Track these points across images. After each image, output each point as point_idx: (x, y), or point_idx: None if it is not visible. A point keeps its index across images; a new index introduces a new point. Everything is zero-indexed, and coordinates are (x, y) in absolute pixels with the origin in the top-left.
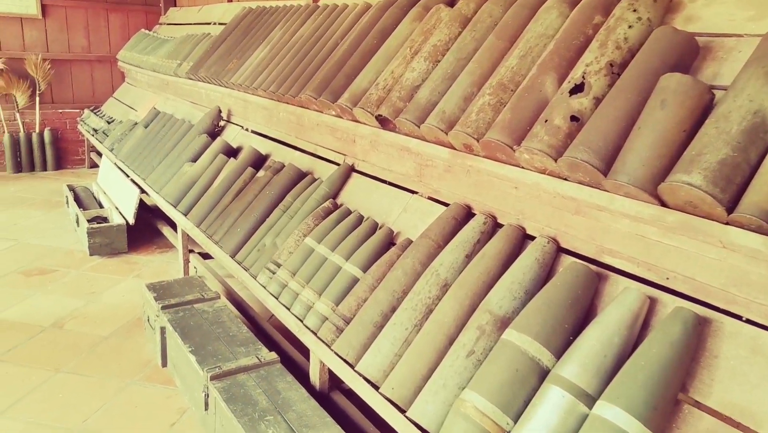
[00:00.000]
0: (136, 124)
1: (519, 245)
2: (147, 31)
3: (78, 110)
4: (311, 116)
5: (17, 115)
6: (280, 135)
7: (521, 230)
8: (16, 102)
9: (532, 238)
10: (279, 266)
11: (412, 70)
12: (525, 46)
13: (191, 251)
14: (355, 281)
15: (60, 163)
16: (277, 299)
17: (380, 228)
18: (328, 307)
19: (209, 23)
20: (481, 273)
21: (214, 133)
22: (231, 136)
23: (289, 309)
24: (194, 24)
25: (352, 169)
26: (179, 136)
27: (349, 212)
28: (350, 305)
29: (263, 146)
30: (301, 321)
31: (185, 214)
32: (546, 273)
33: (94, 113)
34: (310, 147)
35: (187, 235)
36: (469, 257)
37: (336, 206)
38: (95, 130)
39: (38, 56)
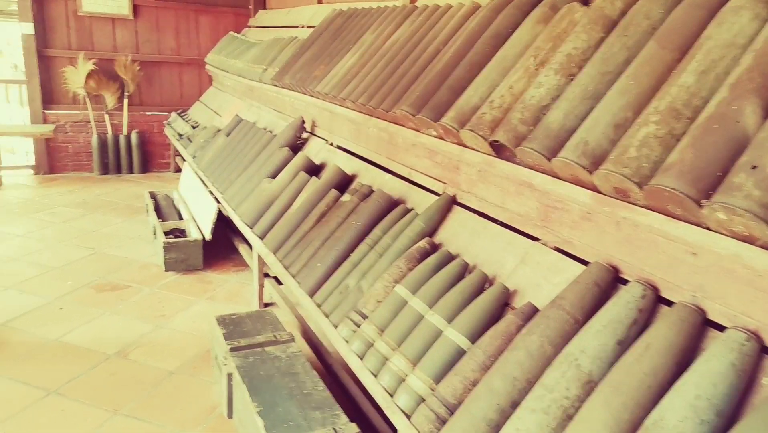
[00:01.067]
0: (219, 131)
1: (697, 336)
2: (235, 34)
3: (165, 113)
4: (406, 135)
5: (106, 116)
6: (368, 153)
7: (700, 314)
8: (106, 103)
9: (715, 326)
10: (364, 317)
11: (539, 86)
12: (705, 58)
13: (266, 275)
14: (460, 352)
15: (146, 166)
16: (361, 359)
17: (492, 284)
18: (425, 384)
19: (297, 26)
20: (645, 374)
21: (296, 146)
22: (314, 150)
23: (375, 376)
24: (282, 27)
25: (453, 201)
26: (260, 147)
27: (450, 257)
28: (454, 386)
29: (349, 165)
30: (391, 396)
31: (261, 238)
32: (744, 386)
33: (181, 117)
34: (403, 170)
35: (262, 258)
36: (623, 345)
37: (434, 247)
38: (180, 135)
39: (128, 57)
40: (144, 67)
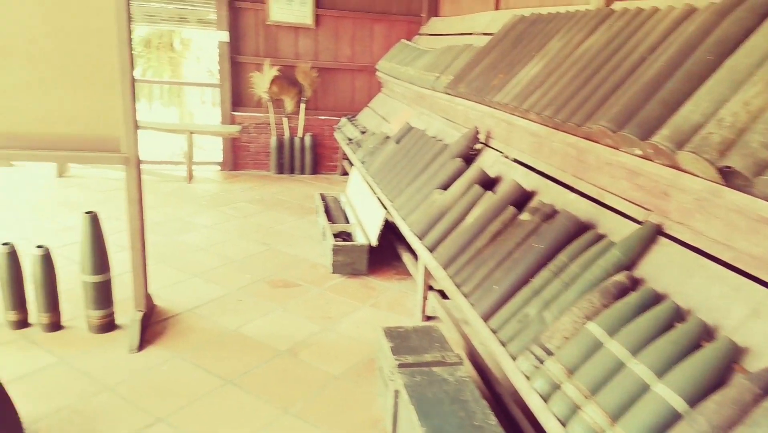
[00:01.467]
0: (387, 138)
1: None
2: (407, 42)
3: (336, 118)
4: (600, 152)
5: (284, 119)
6: (550, 170)
7: None
8: (285, 107)
9: None
10: (549, 353)
11: None
12: None
13: (431, 288)
14: (674, 415)
15: (316, 168)
16: (545, 401)
17: (711, 337)
18: None
19: (472, 33)
20: None
21: (468, 157)
22: (488, 162)
23: (564, 425)
24: (456, 34)
25: (659, 231)
26: (431, 156)
27: (656, 297)
28: None
29: (527, 181)
30: None
31: (431, 251)
32: None
33: (351, 122)
34: (593, 191)
35: (428, 271)
36: None
37: (634, 283)
38: (350, 140)
39: (308, 64)
40: (321, 74)
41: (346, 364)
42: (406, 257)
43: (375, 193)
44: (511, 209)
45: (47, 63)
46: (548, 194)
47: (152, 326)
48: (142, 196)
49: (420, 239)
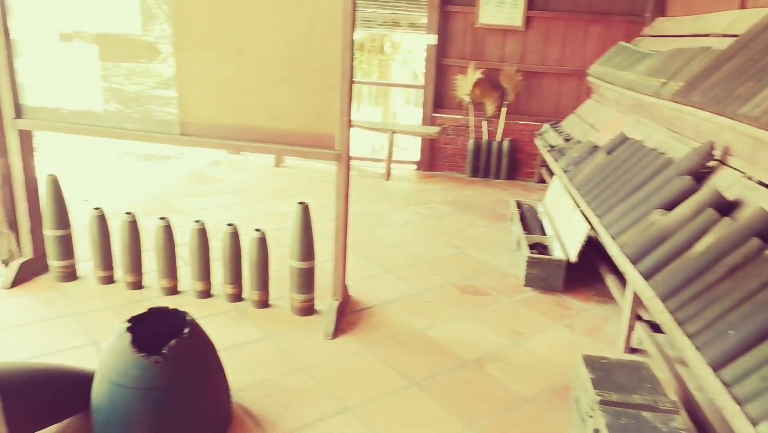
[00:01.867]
0: (596, 147)
1: None
2: (626, 44)
3: (538, 123)
4: None
5: (484, 123)
6: None
7: None
8: (485, 110)
9: None
10: None
11: None
12: None
13: (638, 318)
14: None
15: (511, 174)
16: None
17: None
18: None
19: (708, 35)
20: None
21: (699, 175)
22: (724, 183)
23: None
24: (687, 36)
25: None
26: (651, 171)
27: None
28: None
29: None
30: None
31: (646, 278)
32: None
33: (554, 128)
34: None
35: (638, 298)
36: None
37: None
38: (552, 147)
39: (513, 67)
40: (526, 78)
41: (535, 386)
42: (609, 280)
43: (578, 206)
44: (756, 242)
45: (279, 65)
46: None
47: (347, 315)
48: (349, 192)
49: (633, 263)
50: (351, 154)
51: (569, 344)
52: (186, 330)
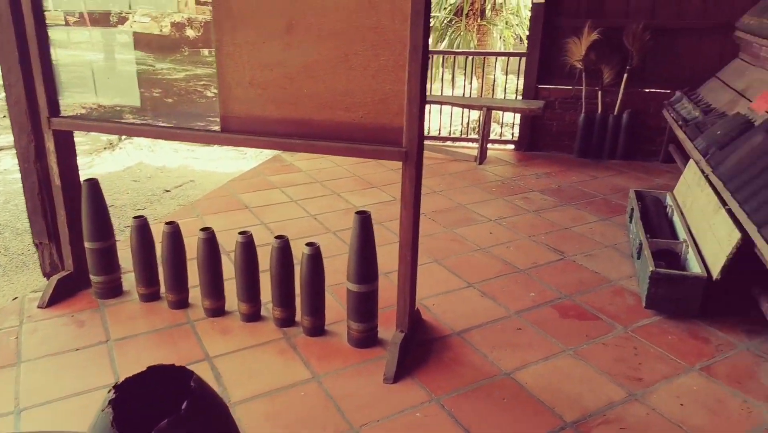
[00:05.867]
0: (750, 123)
1: None
2: None
3: (667, 91)
4: None
5: (599, 93)
6: None
7: None
8: (603, 78)
9: None
10: None
11: None
12: None
13: None
14: None
15: (631, 152)
16: None
17: None
18: None
19: None
20: None
21: None
22: None
23: None
24: None
25: None
26: None
27: None
28: None
29: None
30: None
31: None
32: None
33: (688, 97)
34: None
35: None
36: None
37: None
38: (686, 121)
39: (640, 25)
40: (655, 36)
41: None
42: (766, 304)
43: (724, 205)
44: None
45: (335, 41)
46: None
47: (415, 348)
48: (420, 197)
49: None
50: (435, 134)
51: (708, 398)
52: (184, 405)
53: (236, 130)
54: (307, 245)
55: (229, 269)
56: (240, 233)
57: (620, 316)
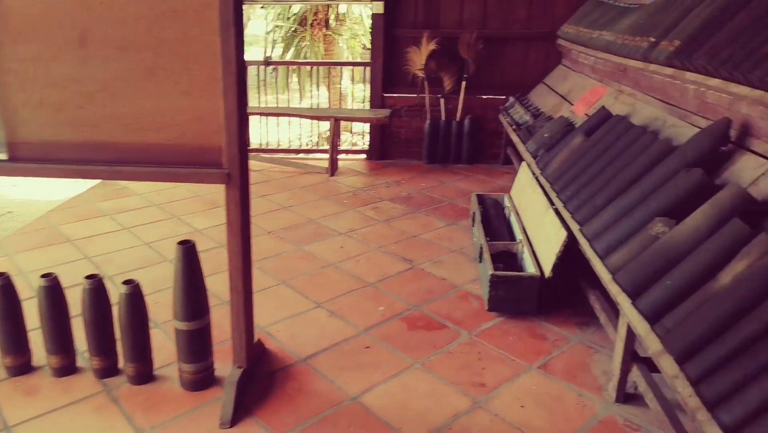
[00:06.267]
0: (571, 126)
1: None
2: None
3: (502, 97)
4: None
5: (442, 100)
6: None
7: None
8: (444, 86)
9: None
10: None
11: None
12: None
13: (635, 356)
14: None
15: (475, 156)
16: None
17: None
18: None
19: None
20: None
21: (712, 165)
22: (747, 176)
23: None
24: None
25: None
26: (647, 161)
27: None
28: None
29: None
30: None
31: (651, 321)
32: None
33: (520, 102)
34: None
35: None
36: None
37: None
38: (518, 125)
39: (473, 34)
40: (488, 45)
41: None
42: (593, 299)
43: (552, 204)
44: None
45: (137, 53)
46: None
47: (256, 382)
48: (250, 223)
49: (631, 297)
50: (286, 146)
51: (546, 396)
52: None
53: (27, 159)
54: (125, 283)
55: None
56: (43, 276)
57: (466, 321)
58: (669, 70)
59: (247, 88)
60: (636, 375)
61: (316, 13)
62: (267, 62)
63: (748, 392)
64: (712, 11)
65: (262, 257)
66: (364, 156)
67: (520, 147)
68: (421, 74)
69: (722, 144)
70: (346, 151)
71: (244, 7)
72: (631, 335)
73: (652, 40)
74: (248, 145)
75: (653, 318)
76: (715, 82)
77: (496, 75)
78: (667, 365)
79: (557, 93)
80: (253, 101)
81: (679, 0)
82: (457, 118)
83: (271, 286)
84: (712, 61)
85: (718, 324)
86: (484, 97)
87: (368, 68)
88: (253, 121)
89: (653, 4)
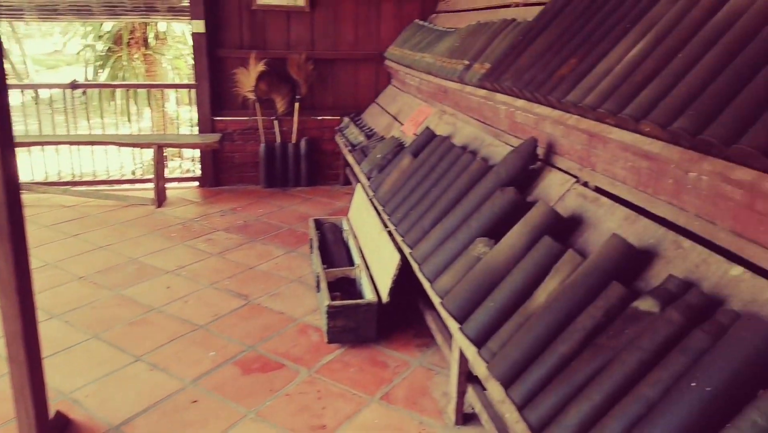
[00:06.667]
0: (401, 145)
1: None
2: (422, 22)
3: (337, 117)
4: None
5: (275, 123)
6: (681, 217)
7: None
8: (276, 108)
9: None
10: None
11: None
12: None
13: (470, 376)
14: None
15: (314, 178)
16: None
17: None
18: None
19: (509, 5)
20: None
21: (524, 183)
22: (554, 192)
23: None
24: (485, 9)
25: None
26: (467, 180)
27: None
28: None
29: (634, 231)
30: None
31: (478, 345)
32: None
33: (354, 122)
34: None
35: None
36: None
37: None
38: (353, 146)
39: (302, 55)
40: (318, 66)
41: None
42: (431, 320)
43: (386, 227)
44: (618, 288)
45: None
46: (683, 262)
47: None
48: (29, 276)
49: (459, 321)
50: (109, 177)
51: (388, 429)
52: None
53: None
54: None
55: None
56: None
57: (305, 357)
58: (482, 92)
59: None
60: (471, 396)
61: (132, 32)
62: (74, 85)
63: (567, 415)
64: (516, 35)
65: (70, 307)
66: (196, 183)
67: (356, 168)
68: (251, 96)
69: (531, 162)
70: (176, 179)
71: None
72: (464, 357)
73: (467, 62)
74: (17, 182)
75: (480, 342)
76: (521, 103)
77: (329, 96)
78: (494, 390)
79: (389, 113)
80: (60, 129)
81: (488, 25)
82: (293, 140)
83: (80, 342)
84: (516, 83)
85: (537, 345)
86: (319, 118)
87: (191, 91)
88: (63, 152)
89: (466, 28)
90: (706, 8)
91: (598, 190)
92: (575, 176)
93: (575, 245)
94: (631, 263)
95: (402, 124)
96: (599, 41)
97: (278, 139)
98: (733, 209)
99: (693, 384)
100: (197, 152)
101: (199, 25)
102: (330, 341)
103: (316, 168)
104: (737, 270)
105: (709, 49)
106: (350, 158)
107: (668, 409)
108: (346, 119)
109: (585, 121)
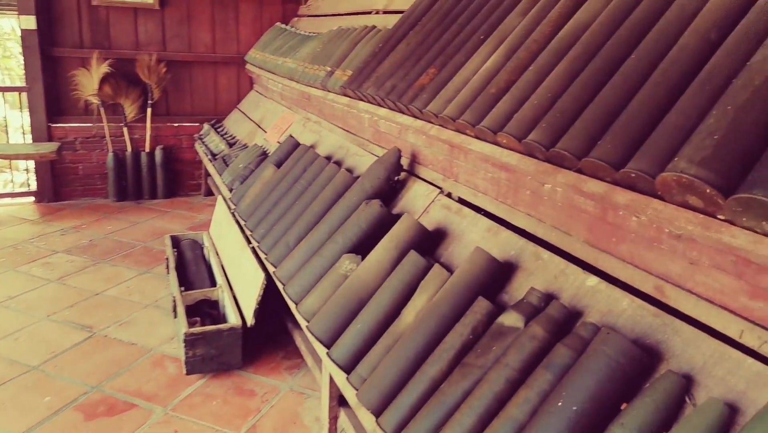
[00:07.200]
0: (264, 154)
1: None
2: (283, 26)
3: (197, 124)
4: (665, 214)
5: (125, 129)
6: (540, 228)
7: None
8: (125, 114)
9: None
10: None
11: None
12: None
13: (341, 402)
14: None
15: (172, 189)
16: None
17: None
18: None
19: (370, 12)
20: None
21: (390, 194)
22: (418, 203)
23: None
24: (346, 14)
25: None
26: (332, 193)
27: None
28: None
29: (496, 244)
30: None
31: (347, 371)
32: None
33: (215, 129)
34: (639, 277)
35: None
36: None
37: None
38: (214, 155)
39: (153, 56)
40: (171, 68)
41: None
42: (300, 340)
43: (250, 243)
44: (485, 305)
45: None
46: (543, 274)
47: None
48: None
49: (326, 345)
50: None
51: None
52: None
53: None
54: None
55: None
56: None
57: (160, 394)
58: (345, 100)
59: None
60: (344, 421)
61: None
62: None
63: None
64: (377, 43)
65: None
66: (32, 199)
67: (217, 179)
68: (95, 100)
69: (396, 173)
70: (8, 195)
71: None
72: (334, 382)
73: (329, 69)
74: None
75: (348, 367)
76: (384, 112)
77: (186, 101)
78: (365, 418)
79: (252, 120)
80: None
81: (349, 30)
82: (147, 149)
83: None
84: (378, 91)
85: (407, 368)
86: (175, 125)
87: (21, 94)
88: None
89: (328, 34)
90: (553, 21)
91: (462, 201)
92: (439, 187)
93: (441, 258)
94: (494, 276)
95: (266, 131)
96: (456, 52)
97: (129, 147)
98: (586, 221)
99: (560, 404)
100: (31, 164)
101: (29, 21)
102: (189, 372)
103: (174, 178)
104: (593, 280)
105: (558, 62)
106: (211, 168)
107: (537, 432)
108: (207, 126)
109: (446, 131)
